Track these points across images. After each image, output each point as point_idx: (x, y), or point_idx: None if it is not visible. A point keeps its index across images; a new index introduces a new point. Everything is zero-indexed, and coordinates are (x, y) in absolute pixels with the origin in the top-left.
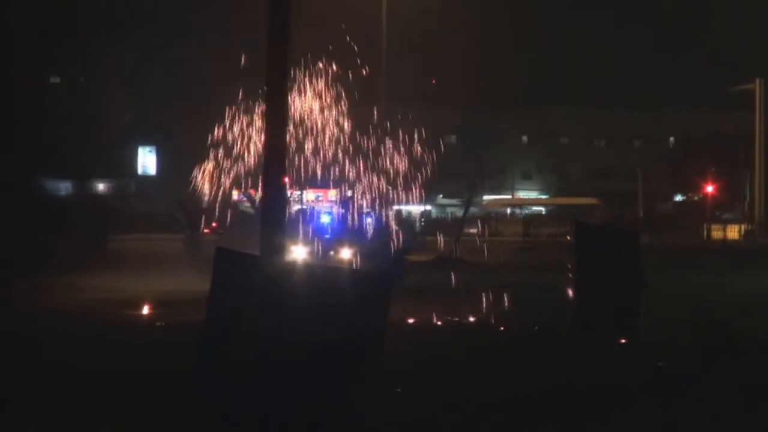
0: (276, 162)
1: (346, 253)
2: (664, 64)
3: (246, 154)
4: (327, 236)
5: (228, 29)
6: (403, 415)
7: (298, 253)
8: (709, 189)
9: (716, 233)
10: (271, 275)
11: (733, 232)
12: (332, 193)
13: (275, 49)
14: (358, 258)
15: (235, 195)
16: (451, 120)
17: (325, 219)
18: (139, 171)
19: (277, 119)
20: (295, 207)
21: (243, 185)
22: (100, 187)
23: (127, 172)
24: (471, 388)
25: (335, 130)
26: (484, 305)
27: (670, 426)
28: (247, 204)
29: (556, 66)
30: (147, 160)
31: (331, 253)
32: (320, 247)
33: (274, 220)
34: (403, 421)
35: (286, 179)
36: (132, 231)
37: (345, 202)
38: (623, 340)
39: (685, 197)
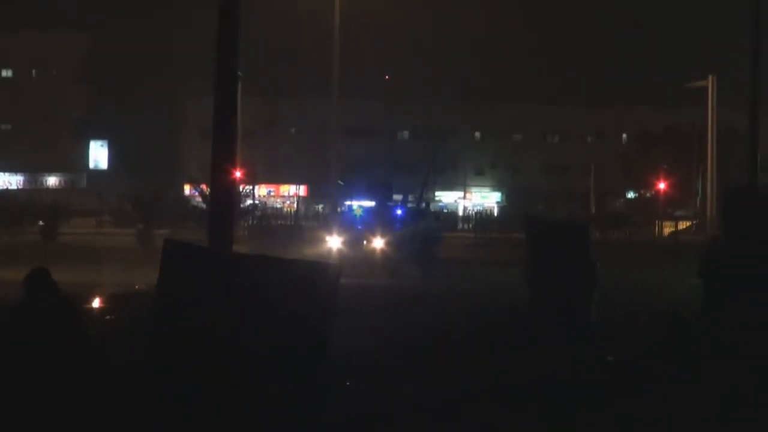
0: (225, 156)
1: (377, 243)
2: (619, 60)
3: (202, 148)
4: (359, 227)
5: (181, 25)
6: (351, 410)
7: (333, 243)
8: (662, 186)
9: (668, 230)
10: (220, 268)
11: (684, 229)
12: (285, 188)
13: (225, 40)
14: (389, 247)
15: (187, 190)
16: (404, 115)
17: (357, 211)
18: (91, 165)
19: (226, 112)
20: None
21: (197, 180)
22: (51, 180)
23: (78, 166)
24: (418, 384)
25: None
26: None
27: (617, 419)
28: (199, 199)
29: (510, 62)
30: (99, 155)
31: (364, 242)
32: (352, 238)
33: (221, 214)
34: (351, 416)
35: (237, 173)
36: (83, 225)
37: (378, 196)
38: (574, 334)
39: (637, 194)
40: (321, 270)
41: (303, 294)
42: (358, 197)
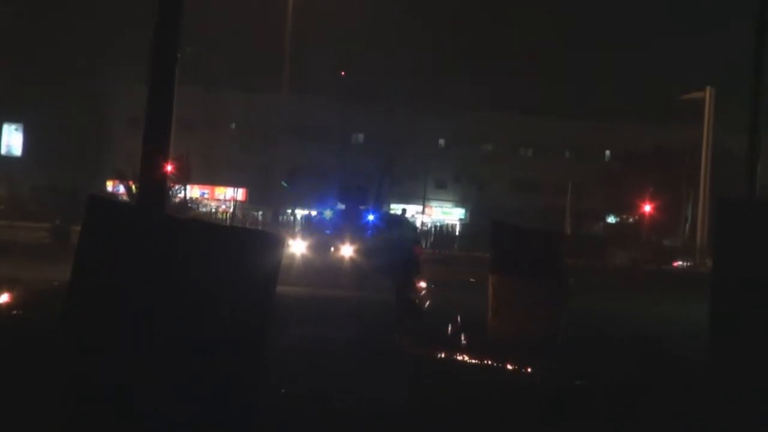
0: (157, 148)
1: (346, 250)
2: (605, 70)
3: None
4: (327, 232)
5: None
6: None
7: (297, 248)
8: (647, 208)
9: (651, 260)
10: (149, 230)
11: (671, 260)
12: (221, 191)
13: (165, 20)
14: (359, 256)
15: (110, 186)
16: (360, 117)
17: (327, 214)
18: (3, 151)
19: (161, 99)
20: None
21: (123, 174)
22: None
23: None
24: (364, 394)
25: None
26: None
27: None
28: (124, 195)
29: (484, 65)
30: (12, 140)
31: (331, 249)
32: (319, 243)
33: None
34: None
35: (169, 168)
36: None
37: (350, 199)
38: (540, 355)
39: (619, 218)
40: (262, 239)
41: (242, 265)
42: (305, 204)
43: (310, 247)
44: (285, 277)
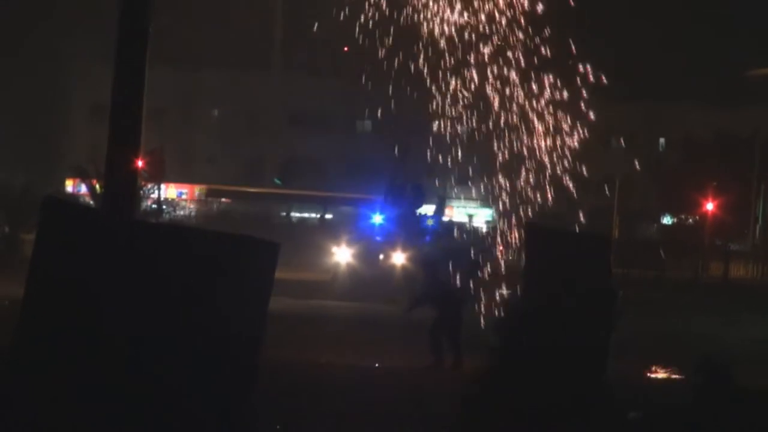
0: (126, 142)
1: (398, 258)
2: (661, 44)
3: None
4: (377, 238)
5: None
6: None
7: (341, 256)
8: (710, 207)
9: (716, 268)
10: (119, 238)
11: (738, 269)
12: (202, 190)
13: None
14: (413, 265)
15: (70, 185)
16: (367, 101)
17: (377, 218)
18: None
19: (130, 83)
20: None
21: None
22: None
23: None
24: None
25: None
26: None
27: None
28: (86, 196)
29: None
30: None
31: (380, 257)
32: (367, 250)
33: (118, 216)
34: None
35: (140, 163)
36: None
37: (403, 200)
38: (584, 383)
39: (676, 219)
40: (252, 248)
41: (227, 280)
42: (303, 205)
43: (356, 256)
44: (327, 291)
